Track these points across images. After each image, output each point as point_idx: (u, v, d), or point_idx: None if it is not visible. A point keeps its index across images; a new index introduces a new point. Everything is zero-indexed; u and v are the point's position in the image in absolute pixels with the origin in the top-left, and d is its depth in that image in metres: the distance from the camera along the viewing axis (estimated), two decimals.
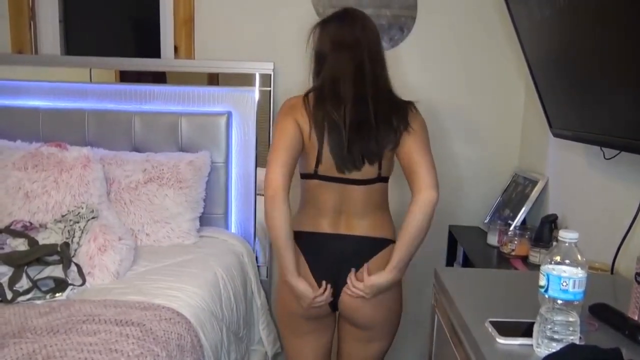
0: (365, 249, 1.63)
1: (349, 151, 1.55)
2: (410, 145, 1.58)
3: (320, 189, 1.62)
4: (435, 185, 1.56)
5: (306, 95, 1.60)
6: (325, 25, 1.62)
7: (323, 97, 1.56)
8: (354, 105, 1.54)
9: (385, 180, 1.65)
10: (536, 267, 1.67)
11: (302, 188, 1.68)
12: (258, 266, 2.40)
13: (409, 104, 1.63)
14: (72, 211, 1.97)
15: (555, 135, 1.74)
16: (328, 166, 1.58)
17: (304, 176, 1.65)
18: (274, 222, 1.51)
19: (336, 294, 1.64)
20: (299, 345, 1.73)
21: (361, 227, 1.63)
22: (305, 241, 1.63)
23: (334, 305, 1.66)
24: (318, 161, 1.58)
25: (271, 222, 1.52)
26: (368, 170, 1.59)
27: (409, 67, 2.42)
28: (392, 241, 1.64)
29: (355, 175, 1.59)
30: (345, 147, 1.54)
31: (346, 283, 1.61)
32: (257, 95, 2.38)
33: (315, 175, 1.61)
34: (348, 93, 1.54)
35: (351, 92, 1.54)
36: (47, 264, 1.74)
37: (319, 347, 1.74)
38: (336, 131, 1.55)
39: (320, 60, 1.61)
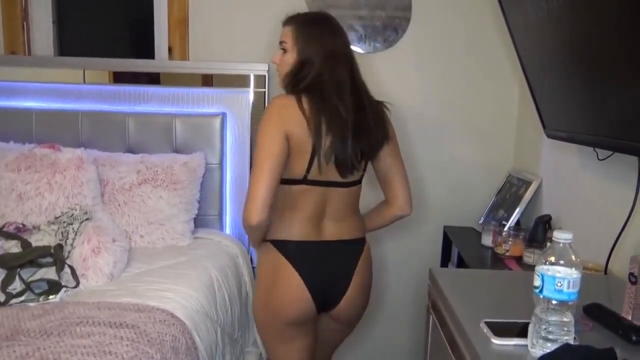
0: (350, 252, 1.68)
1: (348, 155, 1.58)
2: (389, 156, 1.72)
3: (304, 194, 1.60)
4: (410, 202, 1.75)
5: (299, 98, 1.56)
6: (310, 31, 1.61)
7: (327, 104, 1.56)
8: (356, 113, 1.58)
9: (360, 182, 1.70)
10: (530, 268, 1.68)
11: (281, 193, 1.60)
12: (253, 267, 2.39)
13: (383, 104, 1.71)
14: (66, 213, 1.95)
15: (549, 136, 1.75)
16: (320, 171, 1.58)
17: (288, 182, 1.59)
18: (256, 238, 1.65)
19: (328, 299, 1.65)
20: (286, 352, 1.70)
21: (341, 230, 1.66)
22: (292, 251, 1.61)
23: (322, 308, 1.66)
24: (310, 166, 1.57)
25: (253, 238, 1.66)
26: (354, 173, 1.65)
27: (403, 68, 2.42)
28: (364, 239, 1.73)
29: (339, 177, 1.61)
30: (349, 152, 1.57)
31: (339, 288, 1.65)
32: (251, 97, 2.38)
33: (303, 181, 1.59)
34: (348, 103, 1.57)
35: (351, 102, 1.58)
36: (41, 266, 1.73)
37: (305, 350, 1.72)
38: (340, 137, 1.56)
39: (307, 66, 1.59)
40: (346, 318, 1.73)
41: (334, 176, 1.60)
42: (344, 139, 1.56)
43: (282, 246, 1.61)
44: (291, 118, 1.54)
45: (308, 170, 1.57)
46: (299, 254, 1.61)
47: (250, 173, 1.55)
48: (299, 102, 1.55)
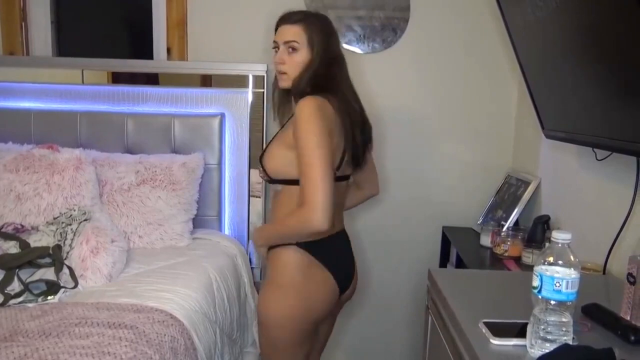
0: (347, 240, 1.76)
1: (361, 149, 1.67)
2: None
3: None
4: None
5: (327, 98, 1.57)
6: (324, 30, 1.63)
7: (348, 103, 1.62)
8: (360, 113, 1.68)
9: None
10: (529, 268, 1.68)
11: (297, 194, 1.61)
12: (252, 268, 2.39)
13: None
14: (64, 213, 1.95)
15: (548, 136, 1.75)
16: (344, 168, 1.63)
17: None
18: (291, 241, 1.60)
19: (345, 287, 1.70)
20: (298, 355, 1.69)
21: (339, 220, 1.71)
22: (318, 249, 1.62)
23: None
24: (341, 164, 1.60)
25: (281, 242, 1.61)
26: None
27: (401, 69, 2.42)
28: None
29: (349, 172, 1.69)
30: (361, 146, 1.66)
31: (350, 274, 1.72)
32: (250, 97, 2.38)
33: None
34: (355, 104, 1.66)
35: (356, 102, 1.67)
36: (39, 266, 1.73)
37: (311, 349, 1.74)
38: (360, 133, 1.64)
39: (321, 65, 1.61)
40: (346, 301, 1.79)
41: (348, 170, 1.67)
42: (361, 134, 1.65)
43: (309, 246, 1.60)
44: (329, 117, 1.54)
45: (339, 167, 1.60)
46: (323, 250, 1.63)
47: (306, 175, 1.47)
48: (330, 101, 1.56)
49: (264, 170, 1.63)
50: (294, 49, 1.61)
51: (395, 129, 2.44)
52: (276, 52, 1.65)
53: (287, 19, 1.64)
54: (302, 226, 1.50)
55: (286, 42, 1.62)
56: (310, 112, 1.50)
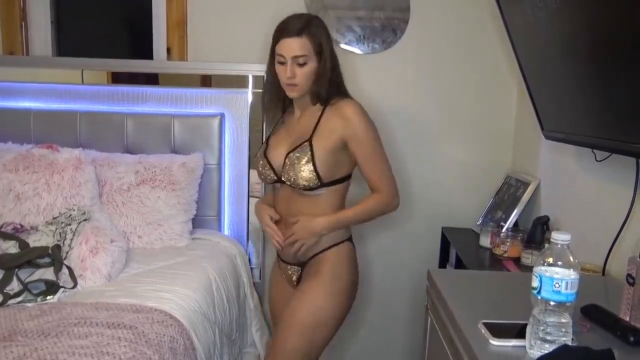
0: None
1: None
2: None
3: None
4: None
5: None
6: (328, 36, 1.69)
7: None
8: None
9: None
10: (528, 269, 1.68)
11: (340, 191, 1.74)
12: (251, 268, 2.39)
13: None
14: (64, 213, 1.95)
15: (547, 137, 1.75)
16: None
17: (349, 177, 1.75)
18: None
19: None
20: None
21: None
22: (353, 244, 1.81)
23: None
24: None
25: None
26: None
27: (401, 70, 2.42)
28: None
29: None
30: None
31: None
32: (250, 97, 2.38)
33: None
34: None
35: None
36: (38, 266, 1.73)
37: None
38: None
39: (331, 72, 1.68)
40: None
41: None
42: None
43: (352, 238, 1.79)
44: None
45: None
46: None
47: (379, 166, 1.69)
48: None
49: (318, 177, 1.64)
50: (304, 63, 1.62)
51: (395, 130, 2.44)
52: (280, 64, 1.64)
53: (289, 31, 1.61)
54: (384, 208, 1.73)
55: (295, 57, 1.61)
56: (364, 114, 1.67)
